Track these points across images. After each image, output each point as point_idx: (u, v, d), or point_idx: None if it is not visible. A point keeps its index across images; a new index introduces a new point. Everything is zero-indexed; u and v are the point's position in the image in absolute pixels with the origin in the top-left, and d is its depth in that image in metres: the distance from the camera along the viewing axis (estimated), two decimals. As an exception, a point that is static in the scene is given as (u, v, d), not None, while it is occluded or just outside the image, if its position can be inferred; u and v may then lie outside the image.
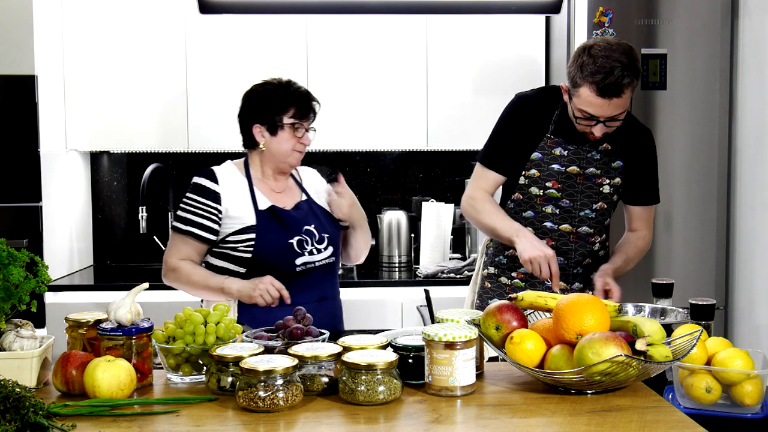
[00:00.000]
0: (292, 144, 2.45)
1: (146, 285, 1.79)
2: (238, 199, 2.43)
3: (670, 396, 1.68)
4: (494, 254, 2.64)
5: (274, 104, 2.44)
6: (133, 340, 1.68)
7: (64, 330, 1.82)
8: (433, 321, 1.96)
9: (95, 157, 4.11)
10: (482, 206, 2.53)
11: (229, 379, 1.63)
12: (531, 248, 2.36)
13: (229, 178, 2.47)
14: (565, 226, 2.51)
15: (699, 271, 3.38)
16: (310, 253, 2.44)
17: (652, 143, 2.57)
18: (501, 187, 2.62)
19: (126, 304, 1.72)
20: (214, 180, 2.44)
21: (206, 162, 4.09)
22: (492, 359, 1.92)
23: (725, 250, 3.40)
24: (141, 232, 3.78)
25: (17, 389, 1.44)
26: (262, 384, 1.53)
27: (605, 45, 2.30)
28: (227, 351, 1.64)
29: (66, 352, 1.70)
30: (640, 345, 1.57)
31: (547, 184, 2.48)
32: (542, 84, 3.71)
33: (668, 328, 1.80)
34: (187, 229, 2.41)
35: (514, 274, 2.58)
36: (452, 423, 1.50)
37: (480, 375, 1.75)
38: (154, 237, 4.10)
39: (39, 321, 3.35)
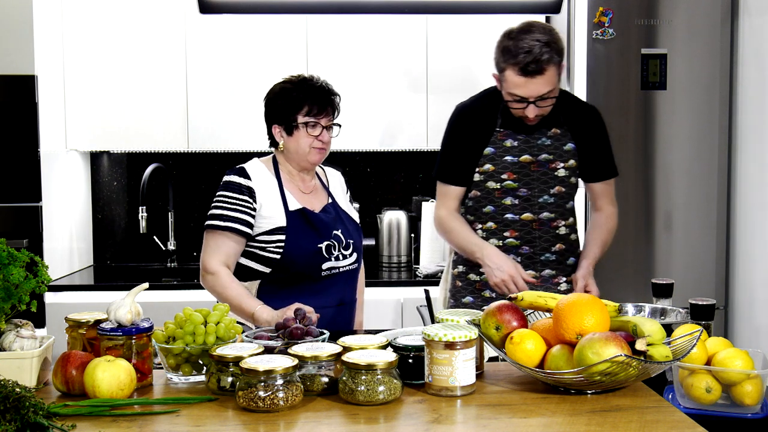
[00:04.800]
0: (309, 142, 2.41)
1: (146, 285, 1.79)
2: (270, 198, 2.40)
3: (670, 396, 1.68)
4: None
5: (288, 104, 2.41)
6: (133, 340, 1.68)
7: (64, 330, 1.82)
8: (433, 321, 1.96)
9: (95, 157, 4.11)
10: (449, 225, 2.60)
11: (229, 379, 1.63)
12: (495, 272, 2.44)
13: (260, 175, 2.43)
14: (527, 215, 2.53)
15: (699, 271, 3.38)
16: (336, 258, 2.43)
17: (599, 120, 2.62)
18: None
19: (126, 304, 1.72)
20: (247, 177, 2.41)
21: (206, 162, 4.12)
22: (492, 359, 1.92)
23: (725, 250, 3.39)
24: (141, 232, 3.78)
25: (17, 389, 1.44)
26: (262, 384, 1.53)
27: (525, 27, 2.38)
28: (227, 351, 1.64)
29: (66, 352, 1.70)
30: (640, 345, 1.57)
31: (503, 176, 2.52)
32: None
33: (668, 328, 1.79)
34: (226, 225, 2.35)
35: (482, 270, 2.59)
36: (452, 423, 1.50)
37: (480, 375, 1.75)
38: (154, 237, 4.10)
39: (39, 321, 3.35)
